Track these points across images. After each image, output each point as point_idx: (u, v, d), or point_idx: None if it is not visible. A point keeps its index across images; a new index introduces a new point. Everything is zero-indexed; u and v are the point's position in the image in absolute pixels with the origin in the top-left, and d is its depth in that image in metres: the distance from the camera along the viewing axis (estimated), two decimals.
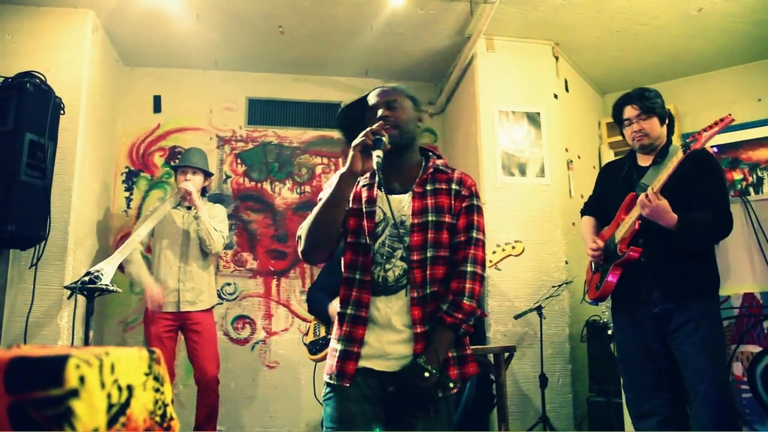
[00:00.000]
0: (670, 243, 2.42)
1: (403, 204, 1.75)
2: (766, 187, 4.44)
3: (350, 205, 1.78)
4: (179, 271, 3.69)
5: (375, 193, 1.78)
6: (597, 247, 2.64)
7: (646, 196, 2.38)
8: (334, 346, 1.75)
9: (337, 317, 1.78)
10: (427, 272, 1.70)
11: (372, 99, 1.82)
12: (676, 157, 2.37)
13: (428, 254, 1.70)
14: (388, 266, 1.71)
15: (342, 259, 1.79)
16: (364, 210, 1.77)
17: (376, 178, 1.75)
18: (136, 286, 3.90)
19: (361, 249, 1.74)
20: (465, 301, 1.67)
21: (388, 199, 1.64)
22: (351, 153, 1.65)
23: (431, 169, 1.80)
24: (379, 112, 1.76)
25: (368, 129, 1.67)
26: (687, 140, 2.38)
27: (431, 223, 1.72)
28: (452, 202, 1.76)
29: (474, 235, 1.74)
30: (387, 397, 1.66)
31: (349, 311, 1.73)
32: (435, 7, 3.94)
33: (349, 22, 4.14)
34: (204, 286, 3.76)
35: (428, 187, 1.77)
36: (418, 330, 1.67)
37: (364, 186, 1.82)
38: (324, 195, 1.74)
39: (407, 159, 1.81)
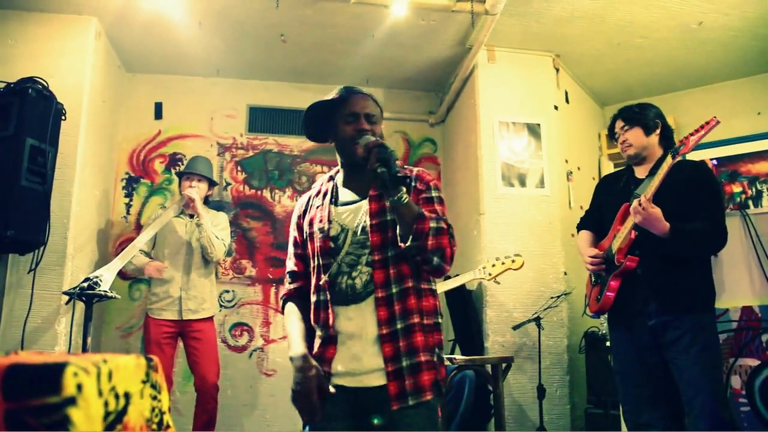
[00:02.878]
0: (666, 254, 2.42)
1: (361, 211, 1.74)
2: (766, 201, 4.43)
3: (310, 230, 1.81)
4: (182, 279, 3.70)
5: (329, 210, 1.79)
6: (595, 255, 2.62)
7: (639, 203, 2.39)
8: None
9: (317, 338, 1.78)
10: (390, 271, 1.67)
11: (354, 105, 1.80)
12: (666, 163, 2.40)
13: (389, 253, 1.68)
14: (354, 274, 1.69)
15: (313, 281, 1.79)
16: (323, 231, 1.76)
17: (328, 197, 1.81)
18: (138, 273, 3.90)
19: (324, 270, 1.74)
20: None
21: (342, 210, 1.70)
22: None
23: None
24: (362, 125, 1.77)
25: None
26: (676, 145, 2.41)
27: (390, 222, 1.68)
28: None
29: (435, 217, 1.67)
30: (357, 414, 1.66)
31: (319, 333, 1.74)
32: (436, 18, 3.96)
33: (350, 32, 4.16)
34: (206, 294, 3.77)
35: None
36: (384, 331, 1.64)
37: (318, 207, 1.83)
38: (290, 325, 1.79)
39: (365, 169, 1.74)
